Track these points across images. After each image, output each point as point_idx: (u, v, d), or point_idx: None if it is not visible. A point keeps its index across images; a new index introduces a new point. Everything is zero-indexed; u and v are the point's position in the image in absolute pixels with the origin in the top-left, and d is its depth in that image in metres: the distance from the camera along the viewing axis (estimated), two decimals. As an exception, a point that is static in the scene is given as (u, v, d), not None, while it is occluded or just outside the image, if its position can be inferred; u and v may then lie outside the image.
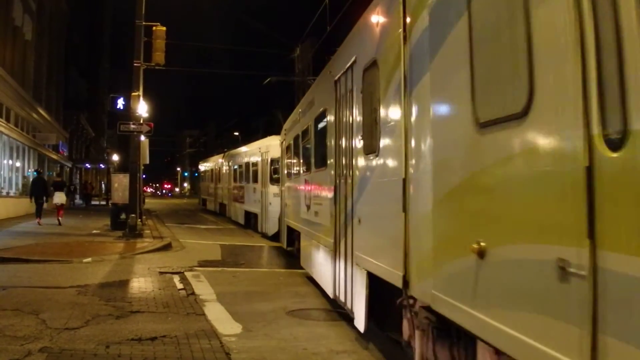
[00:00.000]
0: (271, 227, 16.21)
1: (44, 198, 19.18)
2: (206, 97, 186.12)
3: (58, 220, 18.94)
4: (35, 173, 22.54)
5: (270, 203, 16.38)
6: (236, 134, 69.36)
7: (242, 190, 21.97)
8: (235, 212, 23.86)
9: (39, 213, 18.82)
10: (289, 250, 12.06)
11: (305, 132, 9.42)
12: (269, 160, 17.32)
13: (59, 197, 19.95)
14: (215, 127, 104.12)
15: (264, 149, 18.31)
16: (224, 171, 27.82)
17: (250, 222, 20.43)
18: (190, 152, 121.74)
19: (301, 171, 9.99)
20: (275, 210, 14.88)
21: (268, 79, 25.28)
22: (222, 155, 30.28)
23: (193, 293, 8.08)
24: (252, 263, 12.12)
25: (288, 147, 12.02)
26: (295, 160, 11.10)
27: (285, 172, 12.49)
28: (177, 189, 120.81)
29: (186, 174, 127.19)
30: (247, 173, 21.08)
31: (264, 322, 6.52)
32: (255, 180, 19.29)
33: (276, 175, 16.49)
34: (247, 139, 36.13)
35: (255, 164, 19.70)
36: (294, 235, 11.18)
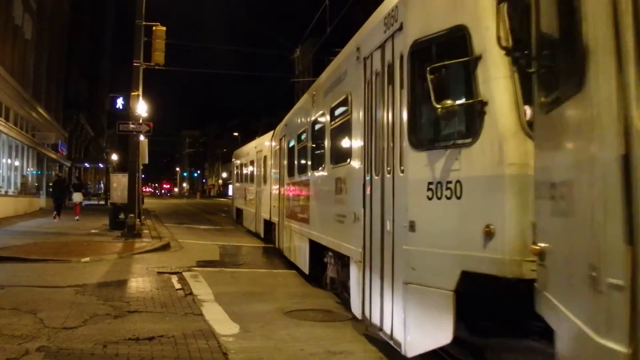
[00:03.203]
0: (425, 328, 4.26)
1: (63, 198, 22.09)
2: (206, 97, 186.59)
3: (76, 216, 21.28)
4: (55, 176, 26.88)
5: (413, 224, 4.29)
6: (236, 134, 69.47)
7: (305, 191, 9.49)
8: (292, 247, 10.76)
9: (58, 211, 20.97)
10: None
11: None
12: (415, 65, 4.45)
13: (77, 197, 22.86)
14: (215, 127, 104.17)
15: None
16: (273, 160, 14.33)
17: (325, 275, 8.18)
18: (189, 152, 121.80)
19: None
20: (443, 253, 3.86)
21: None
22: (270, 133, 15.72)
23: (191, 293, 8.08)
24: (251, 263, 12.10)
25: None
26: None
27: None
28: (176, 189, 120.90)
29: (185, 174, 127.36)
30: (318, 146, 8.65)
31: (261, 322, 6.53)
32: (341, 158, 6.91)
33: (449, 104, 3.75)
34: (247, 139, 33.77)
35: (342, 116, 6.95)
36: None
